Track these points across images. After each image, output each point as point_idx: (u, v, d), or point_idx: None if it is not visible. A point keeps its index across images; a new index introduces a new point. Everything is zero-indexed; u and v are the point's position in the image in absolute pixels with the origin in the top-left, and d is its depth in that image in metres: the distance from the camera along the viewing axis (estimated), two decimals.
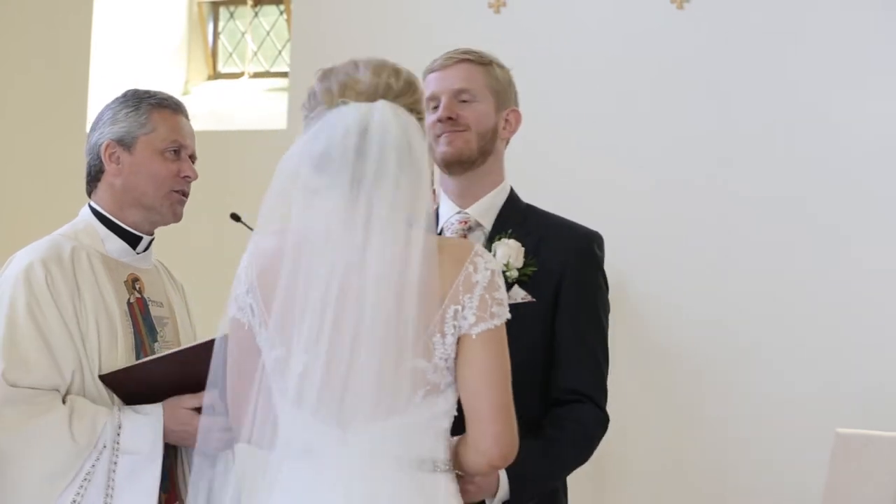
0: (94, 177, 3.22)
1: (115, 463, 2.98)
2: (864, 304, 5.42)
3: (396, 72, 2.50)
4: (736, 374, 5.56)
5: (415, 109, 2.49)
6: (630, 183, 5.72)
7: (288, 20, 7.02)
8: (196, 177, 3.22)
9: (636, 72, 5.76)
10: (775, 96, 5.57)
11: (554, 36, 5.89)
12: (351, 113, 2.43)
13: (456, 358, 2.44)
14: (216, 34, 7.33)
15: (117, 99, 3.22)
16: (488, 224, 3.07)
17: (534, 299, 2.99)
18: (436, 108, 3.06)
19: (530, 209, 3.13)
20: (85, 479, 2.97)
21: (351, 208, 2.40)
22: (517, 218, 3.08)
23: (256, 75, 7.23)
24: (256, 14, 7.26)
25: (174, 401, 3.02)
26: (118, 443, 2.98)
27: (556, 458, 2.97)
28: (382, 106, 2.43)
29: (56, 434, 2.95)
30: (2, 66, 7.09)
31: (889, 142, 5.43)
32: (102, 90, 7.01)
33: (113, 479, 2.98)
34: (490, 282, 2.44)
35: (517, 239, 3.02)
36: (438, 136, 3.05)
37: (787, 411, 5.45)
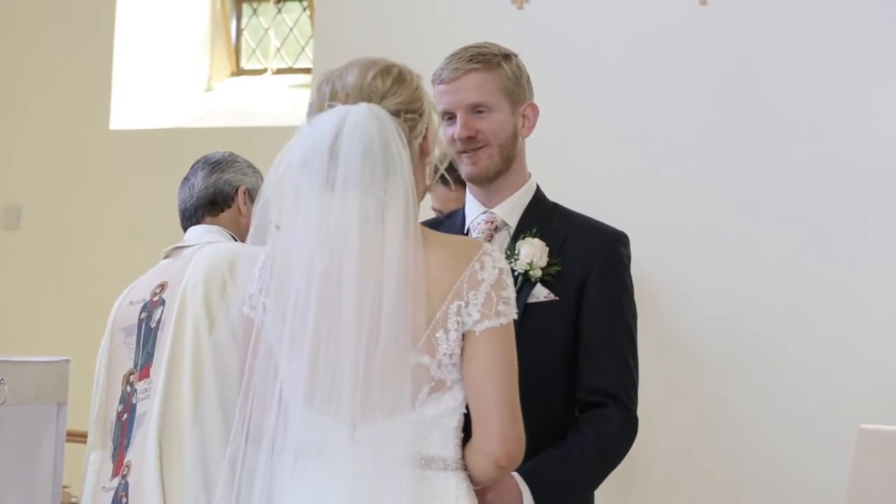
0: (219, 206, 3.64)
1: None
2: (889, 297, 5.39)
3: (385, 71, 2.50)
4: (758, 369, 5.54)
5: (407, 110, 2.49)
6: (654, 176, 5.71)
7: (311, 16, 7.04)
8: None
9: (660, 65, 5.75)
10: (802, 86, 5.55)
11: (577, 30, 5.88)
12: (330, 116, 2.45)
13: (462, 355, 2.44)
14: (239, 30, 7.35)
15: (239, 157, 3.73)
16: (514, 223, 3.03)
17: (557, 297, 2.94)
18: (451, 121, 2.98)
19: (556, 208, 3.08)
20: None
21: (328, 210, 2.42)
22: (543, 217, 3.03)
23: (279, 71, 7.25)
24: (279, 10, 7.28)
25: None
26: None
27: (581, 469, 2.88)
28: (359, 108, 2.44)
29: None
30: (25, 63, 7.13)
31: None
32: (126, 87, 7.04)
33: None
34: (497, 280, 2.44)
35: (542, 238, 2.96)
36: (460, 153, 2.99)
37: (809, 407, 5.44)
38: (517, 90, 3.01)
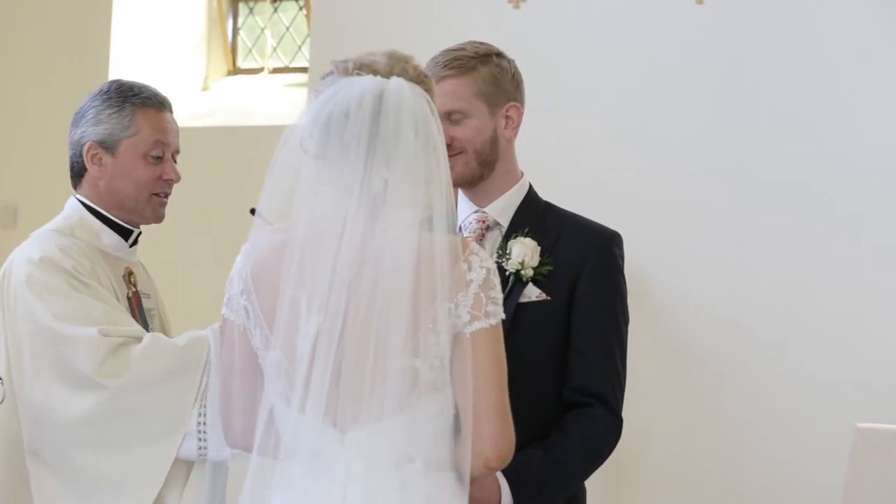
0: (78, 173, 3.19)
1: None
2: (887, 297, 5.39)
3: (414, 64, 2.50)
4: (755, 369, 5.53)
5: (431, 100, 2.47)
6: (651, 175, 5.71)
7: (307, 15, 7.03)
8: (178, 179, 3.18)
9: (657, 64, 5.74)
10: (799, 85, 5.54)
11: (574, 30, 5.87)
12: (367, 81, 2.40)
13: (451, 357, 2.41)
14: (235, 29, 7.34)
15: (100, 94, 3.17)
16: (506, 222, 3.01)
17: (549, 297, 2.93)
18: None
19: (549, 207, 3.07)
20: (203, 393, 2.94)
21: (363, 177, 2.37)
22: (535, 216, 3.01)
23: (276, 71, 7.24)
24: (276, 9, 7.27)
25: None
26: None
27: (563, 468, 2.88)
28: (398, 80, 2.41)
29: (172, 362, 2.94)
30: (23, 62, 7.12)
31: None
32: None
33: None
34: (485, 280, 2.41)
35: (534, 237, 2.95)
36: None
37: (807, 407, 5.43)
38: (495, 92, 2.99)
